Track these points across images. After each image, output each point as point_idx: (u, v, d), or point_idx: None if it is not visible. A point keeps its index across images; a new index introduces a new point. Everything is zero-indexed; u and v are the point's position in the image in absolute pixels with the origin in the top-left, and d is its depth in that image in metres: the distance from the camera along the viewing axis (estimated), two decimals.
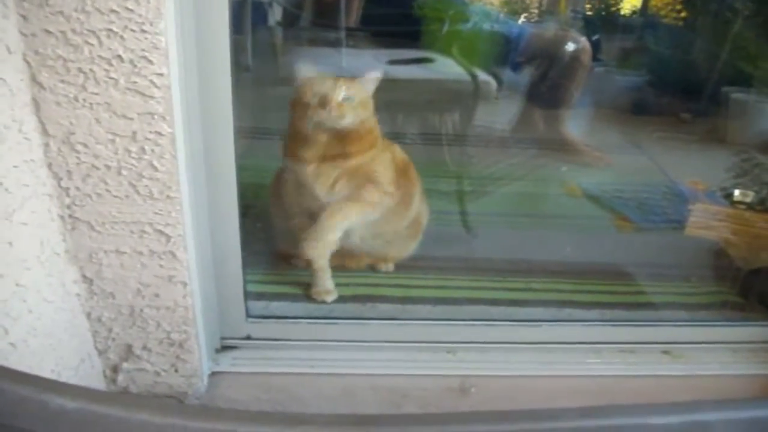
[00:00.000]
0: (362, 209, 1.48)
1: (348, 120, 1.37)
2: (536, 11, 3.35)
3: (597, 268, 1.79)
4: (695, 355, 1.45)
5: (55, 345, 1.08)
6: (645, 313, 1.62)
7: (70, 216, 1.06)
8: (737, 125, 2.86)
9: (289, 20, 2.67)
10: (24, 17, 0.92)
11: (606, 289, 1.67)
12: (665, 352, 1.45)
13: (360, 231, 1.54)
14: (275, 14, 2.77)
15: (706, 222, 1.96)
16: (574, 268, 1.77)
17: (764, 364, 1.43)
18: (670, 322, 1.51)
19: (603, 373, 1.39)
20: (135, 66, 0.95)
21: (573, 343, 1.44)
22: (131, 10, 0.92)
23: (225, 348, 1.38)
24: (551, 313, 1.54)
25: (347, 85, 1.37)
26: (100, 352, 1.21)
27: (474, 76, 2.06)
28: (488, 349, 1.42)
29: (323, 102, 1.35)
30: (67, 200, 1.05)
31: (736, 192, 2.03)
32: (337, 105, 1.35)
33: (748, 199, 2.00)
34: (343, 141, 1.42)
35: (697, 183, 2.24)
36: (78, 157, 1.01)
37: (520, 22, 3.00)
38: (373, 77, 1.43)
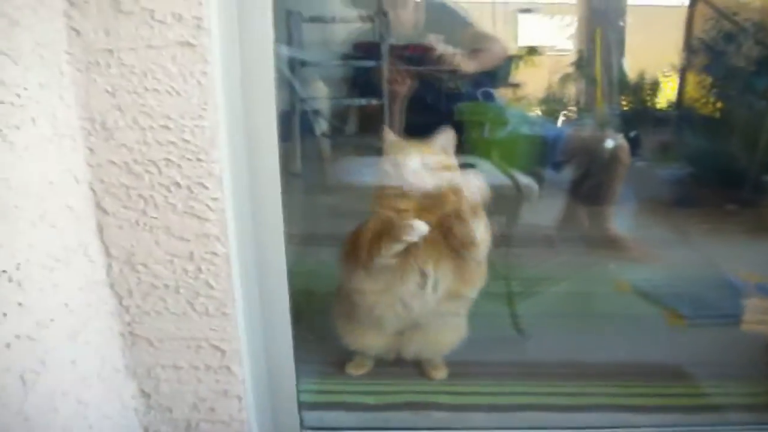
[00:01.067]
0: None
1: (429, 183, 1.40)
2: (573, 110, 3.42)
3: (652, 369, 1.74)
4: None
5: None
6: (704, 416, 1.56)
7: (130, 333, 1.10)
8: None
9: (335, 129, 2.78)
10: (91, 150, 0.99)
11: (662, 392, 1.62)
12: None
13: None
14: (321, 124, 2.88)
15: (762, 316, 1.91)
16: (629, 370, 1.73)
17: None
18: (731, 426, 1.46)
19: None
20: (191, 191, 1.01)
21: None
22: (188, 141, 0.99)
23: None
24: (608, 419, 1.50)
25: (422, 149, 1.43)
26: None
27: (514, 180, 2.10)
28: None
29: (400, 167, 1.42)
30: (128, 318, 1.09)
31: None
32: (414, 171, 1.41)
33: None
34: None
35: (750, 275, 2.19)
36: (138, 277, 1.06)
37: (558, 122, 3.06)
38: (444, 136, 1.46)
